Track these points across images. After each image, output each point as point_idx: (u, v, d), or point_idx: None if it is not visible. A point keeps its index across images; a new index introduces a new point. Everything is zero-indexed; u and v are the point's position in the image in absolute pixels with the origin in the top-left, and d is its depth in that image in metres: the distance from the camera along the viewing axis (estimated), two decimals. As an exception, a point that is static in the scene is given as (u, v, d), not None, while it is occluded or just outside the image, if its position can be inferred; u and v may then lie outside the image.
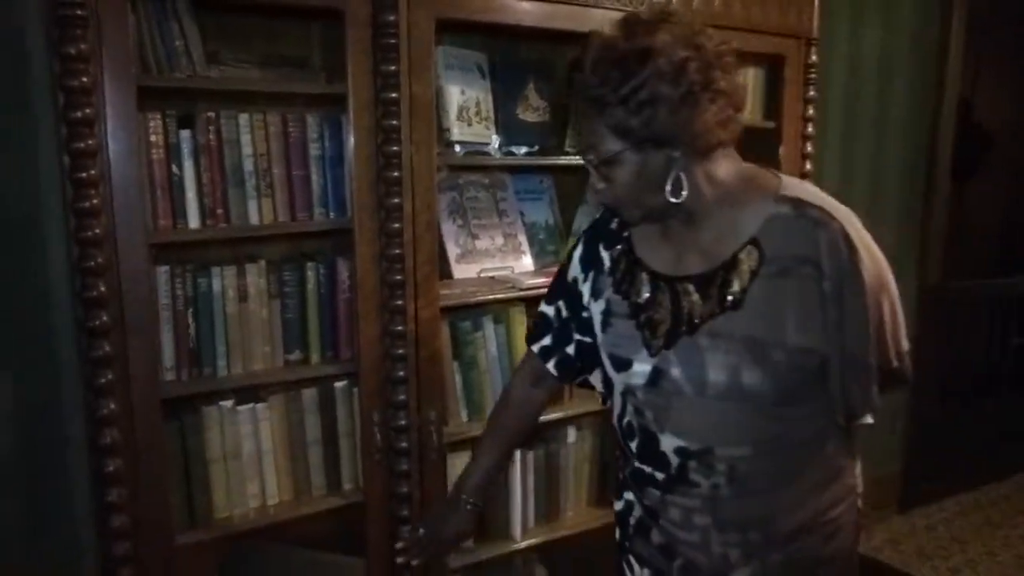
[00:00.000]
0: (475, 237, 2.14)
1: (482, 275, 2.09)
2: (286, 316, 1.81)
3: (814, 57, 2.35)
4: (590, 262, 1.37)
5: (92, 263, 1.50)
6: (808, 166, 2.38)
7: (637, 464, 1.31)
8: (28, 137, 1.71)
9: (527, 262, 2.21)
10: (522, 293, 2.03)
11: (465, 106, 2.01)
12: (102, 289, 1.52)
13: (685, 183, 1.16)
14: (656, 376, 1.22)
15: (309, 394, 1.87)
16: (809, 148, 2.38)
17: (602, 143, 1.15)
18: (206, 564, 1.87)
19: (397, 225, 1.77)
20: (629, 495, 1.37)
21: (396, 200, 1.76)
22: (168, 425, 1.71)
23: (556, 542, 2.20)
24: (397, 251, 1.78)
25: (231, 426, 1.79)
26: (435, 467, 1.92)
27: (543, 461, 2.17)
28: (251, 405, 1.81)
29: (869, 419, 1.23)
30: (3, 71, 1.67)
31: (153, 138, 1.62)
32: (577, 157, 2.20)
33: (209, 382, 1.75)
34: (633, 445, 1.31)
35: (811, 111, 2.37)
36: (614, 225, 1.35)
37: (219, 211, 1.70)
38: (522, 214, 2.26)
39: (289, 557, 1.92)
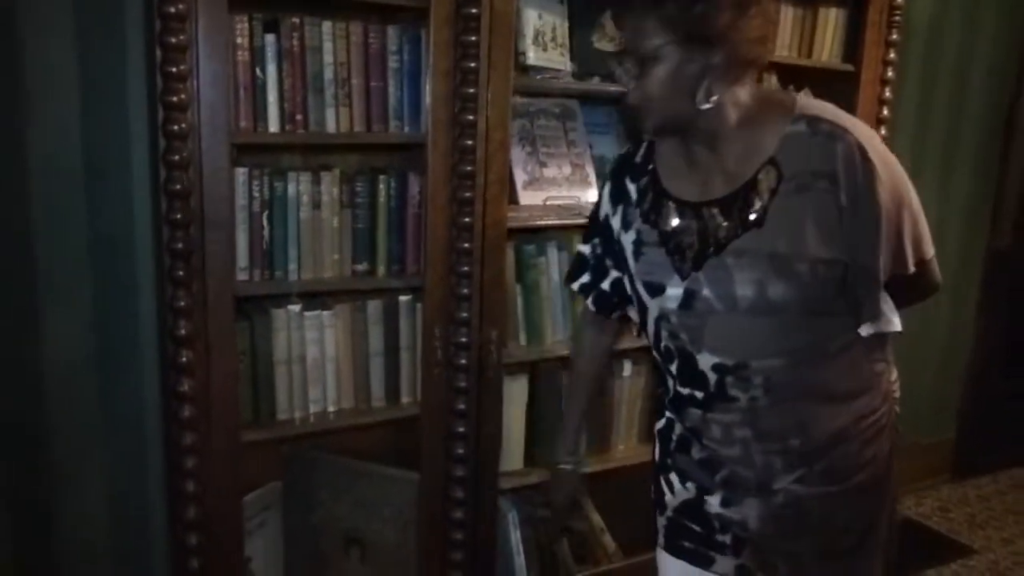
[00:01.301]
0: (543, 165, 2.14)
1: (548, 203, 2.09)
2: (356, 226, 1.85)
3: (899, -1, 2.29)
4: (618, 196, 1.41)
5: (177, 156, 1.54)
6: (885, 111, 2.33)
7: (678, 387, 1.36)
8: (117, 36, 1.75)
9: (593, 194, 2.20)
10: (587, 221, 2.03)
11: (541, 30, 2.01)
12: (184, 183, 1.56)
13: (716, 92, 1.19)
14: (688, 298, 1.27)
15: (374, 305, 1.91)
16: (887, 93, 2.33)
17: (647, 38, 1.17)
18: (267, 463, 1.94)
19: (470, 142, 1.79)
20: (670, 414, 1.42)
21: (471, 117, 1.77)
22: (238, 324, 1.75)
23: (604, 474, 2.23)
24: (469, 168, 1.79)
25: (297, 330, 1.84)
26: (492, 386, 1.95)
27: (597, 391, 2.19)
28: (318, 312, 1.85)
29: (897, 326, 1.28)
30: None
31: (239, 40, 1.65)
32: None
33: (280, 284, 1.79)
34: (673, 368, 1.35)
35: (892, 55, 2.31)
36: (639, 158, 1.39)
37: (298, 117, 1.73)
38: (590, 147, 2.26)
39: (345, 466, 1.98)
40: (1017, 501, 3.28)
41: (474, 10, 1.73)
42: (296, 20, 1.70)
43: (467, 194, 1.81)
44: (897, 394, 1.39)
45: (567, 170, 2.17)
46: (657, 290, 1.31)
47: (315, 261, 1.82)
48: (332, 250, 1.83)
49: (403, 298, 1.92)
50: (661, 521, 1.48)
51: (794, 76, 2.37)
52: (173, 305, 1.60)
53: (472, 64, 1.75)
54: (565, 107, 2.21)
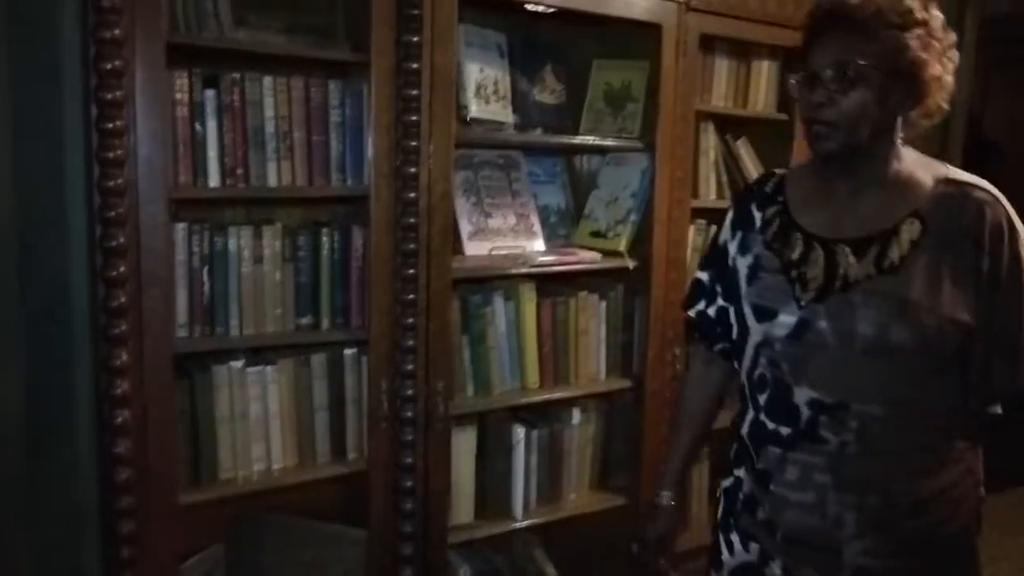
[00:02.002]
0: (488, 216, 2.16)
1: (493, 253, 2.10)
2: (299, 280, 1.83)
3: (828, 53, 2.37)
4: (740, 222, 1.41)
5: (113, 213, 1.52)
6: (819, 159, 2.40)
7: (762, 417, 1.33)
8: (54, 91, 1.73)
9: (538, 244, 2.23)
10: (533, 270, 2.06)
11: (483, 84, 2.04)
12: (121, 239, 1.54)
13: (902, 132, 1.25)
14: (801, 328, 1.26)
15: (318, 359, 1.88)
16: (821, 142, 2.40)
17: (859, 58, 1.19)
18: (206, 525, 1.88)
19: (413, 194, 1.79)
20: (739, 471, 1.40)
21: (413, 169, 1.78)
22: (178, 382, 1.71)
23: (556, 523, 2.21)
24: (412, 220, 1.80)
25: (240, 387, 1.80)
26: (440, 438, 1.93)
27: (547, 441, 2.18)
28: (261, 367, 1.82)
29: (997, 408, 1.28)
30: (34, 20, 1.70)
31: (179, 95, 1.65)
32: (592, 138, 2.23)
33: (220, 340, 1.76)
34: (762, 399, 1.33)
35: (824, 106, 2.39)
36: (768, 188, 1.40)
37: (239, 171, 1.73)
38: (535, 197, 2.28)
39: (291, 526, 1.93)
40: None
41: (415, 65, 1.75)
42: (236, 75, 1.70)
43: (411, 246, 1.81)
44: (981, 477, 1.35)
45: (512, 220, 2.19)
46: (768, 315, 1.30)
47: (257, 316, 1.79)
48: (275, 304, 1.81)
49: (348, 351, 1.90)
50: None
51: (731, 125, 2.44)
52: (109, 364, 1.56)
53: (414, 118, 1.77)
54: (509, 158, 2.24)
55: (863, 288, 1.23)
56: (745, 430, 1.37)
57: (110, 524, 1.63)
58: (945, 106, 1.27)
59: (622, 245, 2.20)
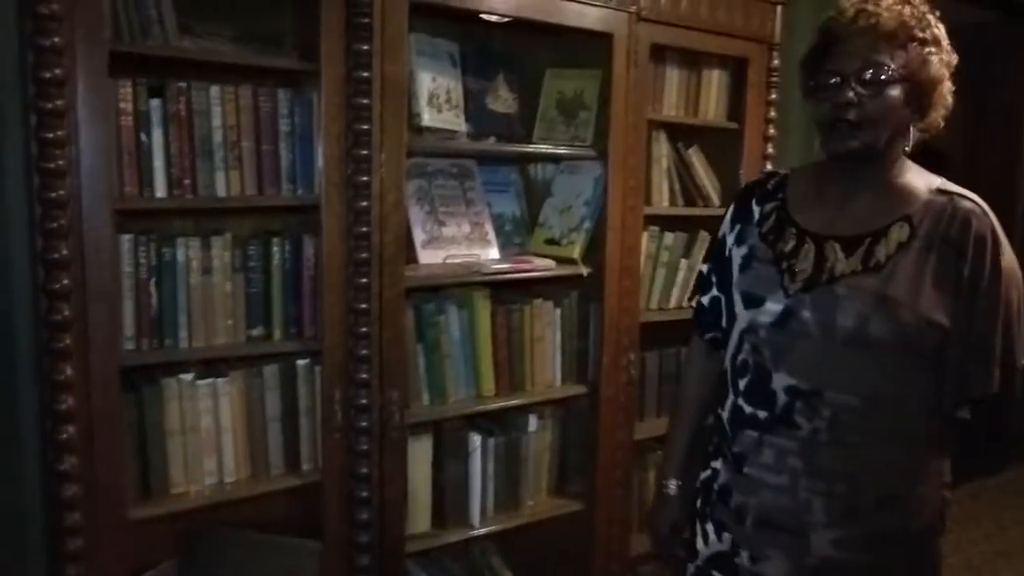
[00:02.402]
0: (442, 224, 2.15)
1: (447, 261, 2.10)
2: (249, 291, 1.81)
3: (776, 61, 2.42)
4: (740, 215, 1.47)
5: (55, 224, 1.50)
6: (769, 166, 2.44)
7: (740, 402, 1.37)
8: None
9: (493, 252, 2.23)
10: (487, 278, 2.06)
11: (436, 93, 2.04)
12: (64, 252, 1.51)
13: (910, 140, 1.31)
14: (786, 316, 1.31)
15: (270, 370, 1.86)
16: (770, 149, 2.45)
17: (894, 60, 1.26)
18: (158, 540, 1.84)
19: (365, 203, 1.79)
20: (716, 463, 1.45)
21: (364, 178, 1.78)
22: (126, 396, 1.69)
23: (515, 531, 2.21)
24: (364, 229, 1.79)
25: (190, 400, 1.78)
26: (395, 448, 1.92)
27: (503, 449, 2.18)
28: (211, 379, 1.80)
29: (965, 412, 1.33)
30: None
31: (123, 105, 1.62)
32: (545, 146, 2.25)
33: (169, 353, 1.73)
34: (742, 384, 1.38)
35: (773, 113, 2.44)
36: (770, 186, 1.46)
37: (186, 181, 1.70)
38: (489, 205, 2.28)
39: (245, 540, 1.90)
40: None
41: (365, 74, 1.74)
42: (182, 84, 1.68)
43: (363, 255, 1.80)
44: (947, 480, 1.39)
45: (466, 228, 2.19)
46: (755, 302, 1.36)
47: (207, 327, 1.77)
48: (225, 316, 1.79)
49: (301, 362, 1.89)
50: (691, 569, 1.49)
51: (683, 134, 2.47)
52: (52, 379, 1.53)
53: (365, 127, 1.76)
54: (462, 167, 2.24)
55: (848, 282, 1.28)
56: (725, 415, 1.42)
57: (56, 542, 1.59)
58: (941, 123, 1.33)
59: (576, 252, 2.21)
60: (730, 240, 1.47)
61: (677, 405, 1.66)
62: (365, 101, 1.75)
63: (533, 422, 2.24)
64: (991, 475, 4.05)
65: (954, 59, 1.32)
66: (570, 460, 2.33)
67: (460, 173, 2.24)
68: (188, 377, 1.77)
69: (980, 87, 4.20)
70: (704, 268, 1.56)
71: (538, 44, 2.34)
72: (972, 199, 1.31)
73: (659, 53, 2.30)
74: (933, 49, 1.27)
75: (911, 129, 1.31)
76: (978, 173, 4.17)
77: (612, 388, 2.26)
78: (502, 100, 2.20)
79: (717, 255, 1.51)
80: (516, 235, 2.35)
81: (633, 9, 2.13)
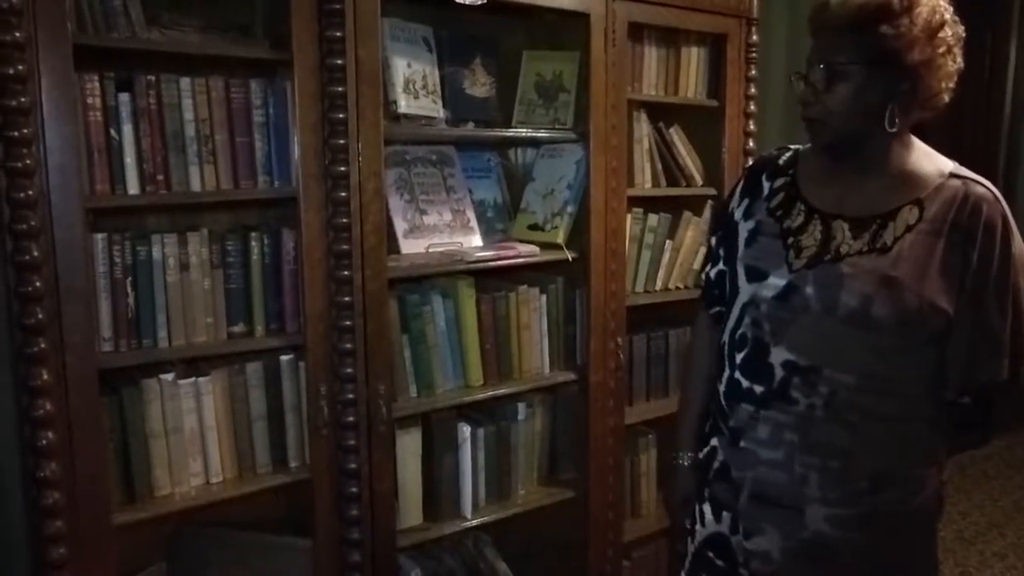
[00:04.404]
0: (423, 213, 2.12)
1: (430, 250, 2.07)
2: (229, 287, 1.77)
3: (755, 37, 2.40)
4: (749, 189, 1.46)
5: (24, 225, 1.46)
6: (751, 143, 2.43)
7: (736, 375, 1.37)
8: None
9: (475, 239, 2.20)
10: (470, 266, 2.03)
11: (411, 79, 2.00)
12: (35, 253, 1.47)
13: (899, 120, 1.26)
14: (788, 291, 1.31)
15: (253, 368, 1.83)
16: (751, 126, 2.43)
17: (839, 54, 1.24)
18: (146, 543, 1.81)
19: (344, 194, 1.75)
20: (714, 440, 1.44)
21: (342, 168, 1.74)
22: (106, 399, 1.65)
23: (507, 520, 2.19)
24: (344, 220, 1.76)
25: (172, 400, 1.74)
26: (384, 441, 1.89)
27: (493, 438, 2.16)
28: (193, 379, 1.76)
29: (966, 399, 1.32)
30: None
31: (90, 100, 1.57)
32: (525, 130, 2.22)
33: (149, 353, 1.69)
34: (739, 357, 1.37)
35: (752, 90, 2.42)
36: (782, 162, 1.45)
37: (159, 177, 1.66)
38: (470, 192, 2.25)
39: (234, 540, 1.88)
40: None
41: (339, 61, 1.71)
42: (151, 77, 1.63)
43: (344, 247, 1.76)
44: (944, 462, 1.38)
45: (448, 216, 2.16)
46: (759, 276, 1.35)
47: (187, 326, 1.73)
48: (205, 313, 1.75)
49: (284, 358, 1.85)
50: (690, 549, 1.49)
51: (664, 113, 2.45)
52: (28, 384, 1.50)
53: (341, 115, 1.73)
54: (442, 154, 2.21)
55: (852, 261, 1.27)
56: (722, 388, 1.41)
57: (39, 550, 1.56)
58: (946, 94, 1.29)
59: (560, 237, 2.19)
60: (738, 214, 1.45)
61: (686, 378, 1.65)
62: (340, 89, 1.72)
63: (522, 410, 2.22)
64: (977, 447, 4.08)
65: (959, 30, 1.27)
66: (561, 447, 2.32)
67: (440, 160, 2.20)
68: (169, 377, 1.74)
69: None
70: (712, 240, 1.54)
71: (514, 26, 2.30)
72: (985, 185, 1.29)
73: (637, 31, 2.27)
74: (896, 22, 1.22)
75: (894, 108, 1.25)
76: (958, 146, 4.21)
77: (601, 373, 2.24)
78: (479, 84, 2.16)
79: (724, 227, 1.49)
80: (498, 221, 2.32)
81: (609, -12, 2.10)
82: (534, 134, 2.22)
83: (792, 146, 1.48)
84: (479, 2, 1.99)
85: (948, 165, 1.32)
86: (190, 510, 1.77)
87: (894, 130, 1.27)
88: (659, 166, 2.42)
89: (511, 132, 2.24)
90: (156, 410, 1.72)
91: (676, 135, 2.46)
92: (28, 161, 1.44)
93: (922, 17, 1.23)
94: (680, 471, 1.57)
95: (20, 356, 1.50)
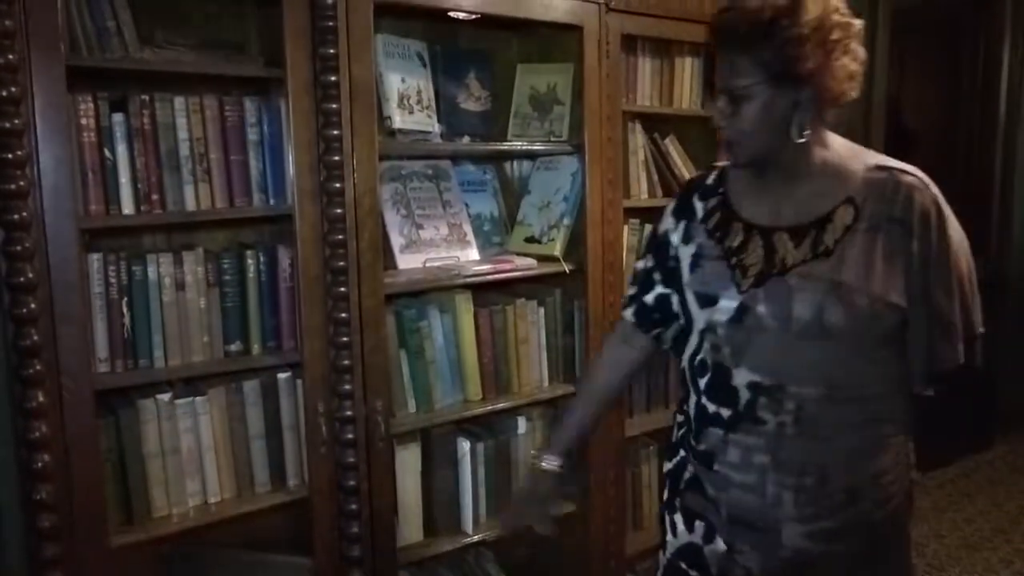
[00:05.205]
0: (419, 227, 2.12)
1: (427, 265, 2.07)
2: (225, 305, 1.77)
3: (749, 48, 2.39)
4: (683, 212, 1.44)
5: (19, 247, 1.46)
6: (746, 154, 2.42)
7: (703, 401, 1.35)
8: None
9: (472, 253, 2.20)
10: (467, 280, 2.02)
11: (406, 94, 2.00)
12: (29, 274, 1.47)
13: (807, 128, 1.25)
14: (741, 312, 1.29)
15: (251, 386, 1.82)
16: (747, 136, 2.43)
17: (738, 77, 1.23)
18: (144, 565, 1.79)
19: (339, 210, 1.75)
20: (683, 453, 1.43)
21: (337, 185, 1.74)
22: (103, 420, 1.64)
23: (510, 536, 2.17)
24: (339, 237, 1.75)
25: (169, 420, 1.73)
26: (382, 458, 1.88)
27: (493, 452, 2.15)
28: (190, 398, 1.75)
29: (930, 390, 1.31)
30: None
31: (84, 121, 1.58)
32: (520, 143, 2.22)
33: (145, 374, 1.69)
34: (703, 383, 1.35)
35: (747, 100, 2.41)
36: (710, 181, 1.44)
37: (154, 197, 1.66)
38: (467, 205, 2.25)
39: (233, 560, 1.86)
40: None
41: (333, 78, 1.71)
42: (145, 97, 1.63)
43: (340, 263, 1.76)
44: (913, 461, 1.38)
45: (444, 231, 2.16)
46: (710, 301, 1.33)
47: (183, 345, 1.72)
48: (201, 332, 1.74)
49: (282, 375, 1.84)
50: (662, 560, 1.48)
51: (659, 124, 2.45)
52: (24, 406, 1.49)
53: (335, 132, 1.72)
54: (437, 168, 2.21)
55: (799, 271, 1.26)
56: (691, 412, 1.40)
57: (36, 573, 1.54)
58: (850, 91, 1.27)
59: (557, 249, 2.18)
60: (675, 238, 1.43)
61: (582, 386, 1.63)
62: (334, 106, 1.71)
63: (522, 424, 2.21)
64: (982, 451, 4.06)
65: (855, 25, 1.25)
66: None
67: (435, 174, 2.20)
68: (166, 397, 1.73)
69: (953, 65, 4.23)
70: (642, 265, 1.51)
71: (508, 40, 2.31)
72: (912, 173, 1.28)
73: (630, 43, 2.28)
74: (787, 32, 1.19)
75: (801, 120, 1.24)
76: (953, 153, 4.21)
77: (600, 385, 2.23)
78: (474, 98, 2.16)
79: (659, 251, 1.47)
80: (495, 235, 2.32)
81: (601, 0, 2.10)
82: (529, 147, 2.22)
83: (719, 163, 1.46)
84: (472, 16, 1.99)
85: (871, 157, 1.32)
86: (188, 531, 1.76)
87: (802, 140, 1.25)
88: (655, 177, 2.42)
89: (506, 145, 2.24)
90: (153, 430, 1.72)
91: (671, 145, 2.46)
92: (22, 182, 1.44)
93: (810, 24, 1.20)
94: (537, 472, 1.53)
95: (15, 378, 1.49)
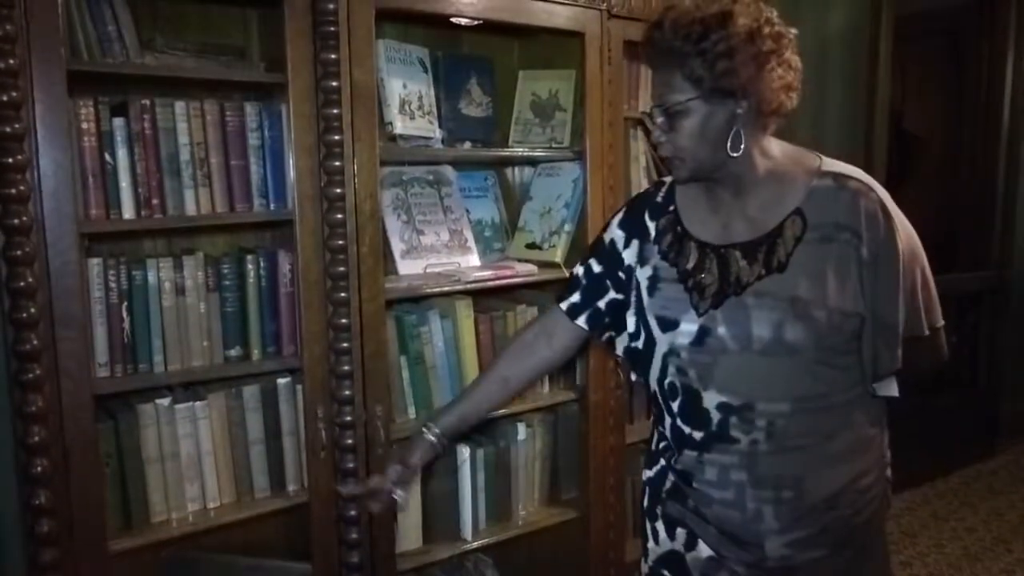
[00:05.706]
0: (420, 233, 2.12)
1: (428, 271, 2.06)
2: (225, 310, 1.76)
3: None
4: (634, 229, 1.43)
5: (19, 251, 1.45)
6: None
7: (678, 423, 1.35)
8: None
9: (473, 259, 2.20)
10: (468, 286, 2.02)
11: (407, 99, 2.00)
12: (29, 279, 1.47)
13: (744, 140, 1.24)
14: (702, 335, 1.28)
15: (251, 391, 1.82)
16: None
17: (673, 93, 1.23)
18: (143, 570, 1.79)
19: (340, 215, 1.75)
20: (663, 462, 1.42)
21: (338, 190, 1.74)
22: (102, 424, 1.64)
23: (508, 542, 2.17)
24: (340, 242, 1.75)
25: (168, 425, 1.73)
26: (382, 464, 1.87)
27: (493, 459, 2.14)
28: (190, 403, 1.75)
29: (894, 391, 1.31)
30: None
31: (85, 125, 1.57)
32: (522, 149, 2.22)
33: (145, 378, 1.69)
34: (675, 405, 1.35)
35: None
36: (660, 198, 1.42)
37: (155, 201, 1.66)
38: (468, 211, 2.25)
39: (232, 565, 1.86)
40: (910, 523, 3.40)
41: (334, 83, 1.71)
42: (146, 102, 1.63)
43: (340, 268, 1.76)
44: (888, 459, 1.39)
45: (445, 236, 2.16)
46: (670, 325, 1.32)
47: (183, 350, 1.72)
48: (201, 337, 1.74)
49: (281, 380, 1.84)
50: (644, 569, 1.48)
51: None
52: (24, 411, 1.49)
53: (336, 137, 1.72)
54: (438, 174, 2.20)
55: (755, 289, 1.26)
56: (667, 434, 1.39)
57: (35, 578, 1.54)
58: (787, 102, 1.27)
59: (558, 256, 2.18)
60: (630, 257, 1.42)
61: (487, 368, 1.61)
62: (335, 111, 1.71)
63: (522, 431, 2.20)
64: (983, 460, 4.05)
65: (787, 34, 1.24)
66: (561, 467, 2.30)
67: (436, 180, 2.20)
68: (165, 402, 1.73)
69: (956, 72, 4.23)
70: (579, 271, 1.49)
71: (509, 46, 2.31)
72: (856, 177, 1.28)
73: (632, 49, 2.27)
74: (716, 47, 1.19)
75: (737, 133, 1.23)
76: (956, 160, 4.21)
77: (600, 392, 2.23)
78: (476, 104, 2.16)
79: (607, 258, 1.45)
80: (496, 241, 2.32)
81: (603, 6, 2.10)
82: (531, 153, 2.22)
83: (666, 179, 1.45)
84: (474, 22, 1.99)
85: (813, 162, 1.30)
86: (187, 536, 1.76)
87: (736, 154, 1.24)
88: (657, 183, 2.41)
89: (508, 151, 2.24)
90: (152, 435, 1.71)
91: (673, 152, 2.45)
92: (22, 187, 1.45)
93: (740, 36, 1.19)
94: (419, 440, 1.52)
95: (15, 382, 1.49)
